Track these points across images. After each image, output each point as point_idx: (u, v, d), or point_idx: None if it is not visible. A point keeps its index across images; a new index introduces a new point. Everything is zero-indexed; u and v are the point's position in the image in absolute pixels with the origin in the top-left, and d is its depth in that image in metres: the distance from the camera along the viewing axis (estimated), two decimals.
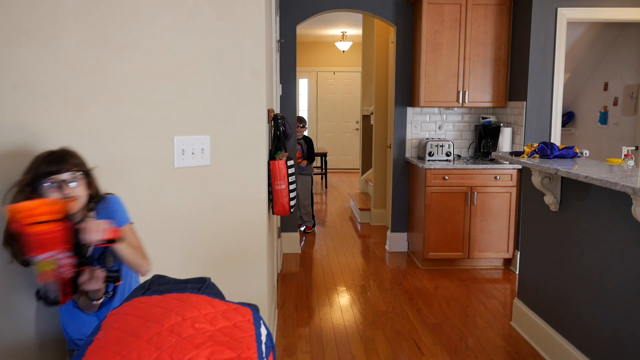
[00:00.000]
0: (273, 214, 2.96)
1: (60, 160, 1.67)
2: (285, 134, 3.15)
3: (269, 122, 2.92)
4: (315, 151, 9.72)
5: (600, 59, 5.63)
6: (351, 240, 5.88)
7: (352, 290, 4.26)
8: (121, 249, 1.70)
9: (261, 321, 1.31)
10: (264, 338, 1.25)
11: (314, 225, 6.28)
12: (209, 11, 2.30)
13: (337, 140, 11.66)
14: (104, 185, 2.07)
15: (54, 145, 1.81)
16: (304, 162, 5.93)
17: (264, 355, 1.17)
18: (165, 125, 2.21)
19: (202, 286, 1.34)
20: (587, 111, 5.90)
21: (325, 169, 9.63)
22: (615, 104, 5.40)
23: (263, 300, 2.64)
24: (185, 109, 2.26)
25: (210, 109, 2.34)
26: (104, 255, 1.75)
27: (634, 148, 4.74)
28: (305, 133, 6.13)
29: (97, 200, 1.81)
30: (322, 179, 9.80)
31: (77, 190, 1.70)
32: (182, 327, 1.11)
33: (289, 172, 2.91)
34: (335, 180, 10.29)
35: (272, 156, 2.99)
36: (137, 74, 2.12)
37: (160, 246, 2.26)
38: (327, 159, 9.73)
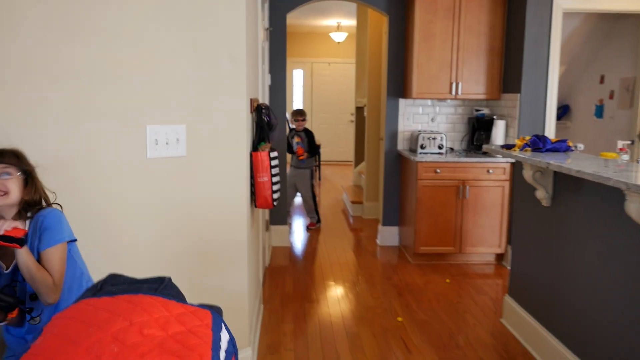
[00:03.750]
0: (256, 207, 2.86)
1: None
2: (269, 125, 3.05)
3: (251, 112, 2.82)
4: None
5: (596, 52, 5.52)
6: (342, 233, 5.79)
7: (340, 285, 4.18)
8: (21, 255, 1.56)
9: (222, 325, 1.21)
10: (224, 344, 1.15)
11: (318, 221, 5.98)
12: None
13: (332, 132, 11.54)
14: (69, 177, 1.98)
15: (11, 138, 1.72)
16: (305, 155, 5.71)
17: None
18: (137, 114, 2.10)
19: (160, 286, 1.24)
20: (583, 104, 5.80)
21: (319, 161, 9.51)
22: (611, 97, 5.30)
23: (243, 297, 2.55)
24: (157, 97, 2.15)
25: (185, 98, 2.23)
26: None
27: (630, 142, 4.65)
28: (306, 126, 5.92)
29: (35, 210, 1.70)
30: (315, 171, 9.68)
31: (9, 184, 1.62)
32: (128, 333, 1.01)
33: (272, 164, 2.81)
34: (329, 172, 10.19)
35: (255, 147, 2.89)
36: (104, 61, 2.02)
37: (131, 240, 2.16)
38: (321, 151, 9.61)
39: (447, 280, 4.25)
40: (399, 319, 3.51)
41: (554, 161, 2.48)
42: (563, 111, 5.95)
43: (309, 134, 5.81)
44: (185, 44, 2.22)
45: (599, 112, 5.47)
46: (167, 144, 2.17)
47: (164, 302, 1.15)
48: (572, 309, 2.68)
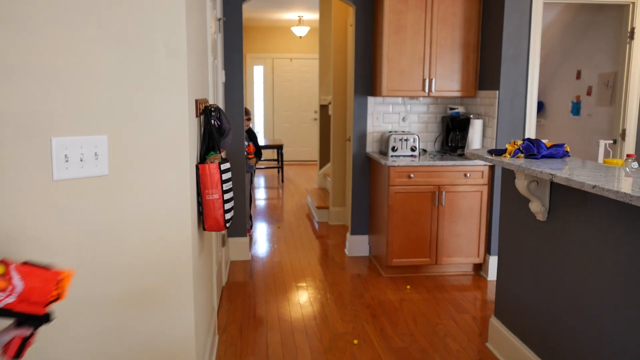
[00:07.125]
0: (204, 229, 2.39)
1: None
2: (220, 130, 2.58)
3: (197, 116, 2.34)
4: (271, 143, 9.12)
5: (573, 45, 5.25)
6: (307, 242, 5.35)
7: (307, 306, 3.74)
8: None
9: None
10: None
11: (251, 227, 5.51)
12: None
13: (295, 130, 11.09)
14: None
15: None
16: (254, 160, 5.20)
17: None
18: (38, 121, 1.60)
19: None
20: (558, 101, 5.54)
21: (282, 161, 9.04)
22: (589, 93, 5.04)
23: (189, 343, 2.08)
24: (68, 99, 1.65)
25: (107, 100, 1.74)
26: None
27: (612, 142, 4.38)
28: (251, 125, 5.34)
29: None
30: (278, 172, 9.22)
31: None
32: None
33: (224, 178, 2.34)
34: (292, 173, 9.74)
35: (202, 158, 2.41)
36: None
37: None
38: (283, 151, 9.13)
39: (408, 287, 4.06)
40: (355, 341, 3.13)
41: (558, 172, 2.11)
42: (537, 108, 5.67)
43: (252, 135, 5.25)
44: (105, 28, 1.73)
45: (576, 109, 5.21)
46: (81, 160, 1.67)
47: None
48: (573, 340, 2.32)
